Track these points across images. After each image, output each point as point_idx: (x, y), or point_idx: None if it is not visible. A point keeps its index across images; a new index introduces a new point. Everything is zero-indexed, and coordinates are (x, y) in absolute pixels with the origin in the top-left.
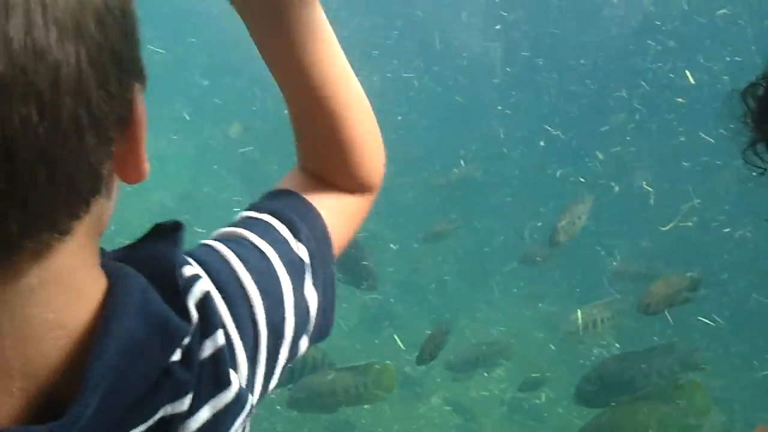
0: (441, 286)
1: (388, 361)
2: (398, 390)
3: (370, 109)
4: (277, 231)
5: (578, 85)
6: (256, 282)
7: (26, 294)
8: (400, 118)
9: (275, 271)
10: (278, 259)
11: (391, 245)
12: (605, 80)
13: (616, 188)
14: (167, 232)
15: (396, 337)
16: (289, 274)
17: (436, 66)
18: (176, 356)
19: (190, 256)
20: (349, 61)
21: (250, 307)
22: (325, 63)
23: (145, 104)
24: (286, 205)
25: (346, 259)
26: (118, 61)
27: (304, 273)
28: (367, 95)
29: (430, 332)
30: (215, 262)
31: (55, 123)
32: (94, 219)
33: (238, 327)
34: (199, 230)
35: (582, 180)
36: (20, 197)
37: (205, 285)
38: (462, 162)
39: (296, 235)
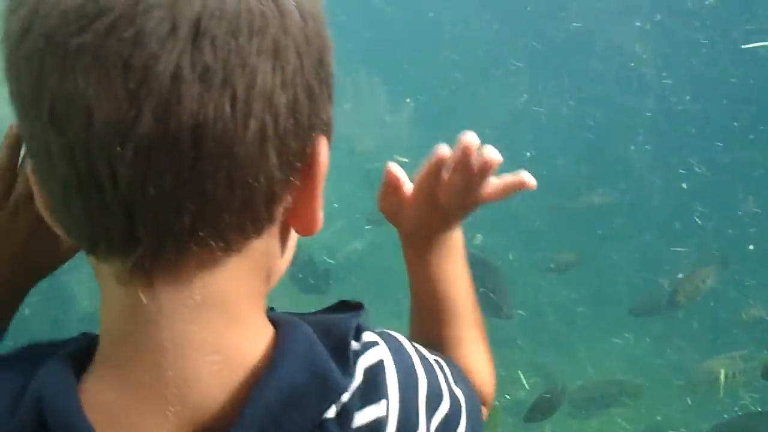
0: (569, 318)
1: (497, 401)
2: (511, 418)
3: (481, 317)
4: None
5: (726, 123)
6: (427, 378)
7: (188, 308)
8: (529, 154)
9: (440, 386)
10: (445, 381)
11: (519, 271)
12: (759, 119)
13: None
14: (349, 309)
15: (520, 373)
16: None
17: (572, 100)
18: (331, 413)
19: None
20: (478, 91)
21: (416, 396)
22: (451, 278)
23: (328, 159)
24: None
25: (484, 287)
26: (310, 97)
27: (459, 415)
28: (498, 127)
29: (544, 392)
30: (393, 341)
31: (243, 122)
32: (262, 254)
33: (401, 408)
34: (328, 258)
35: (730, 232)
36: (198, 188)
37: (381, 353)
38: (595, 197)
39: (455, 384)
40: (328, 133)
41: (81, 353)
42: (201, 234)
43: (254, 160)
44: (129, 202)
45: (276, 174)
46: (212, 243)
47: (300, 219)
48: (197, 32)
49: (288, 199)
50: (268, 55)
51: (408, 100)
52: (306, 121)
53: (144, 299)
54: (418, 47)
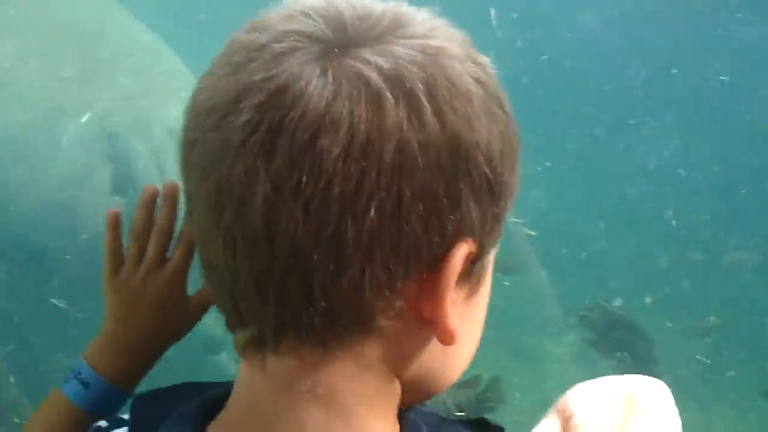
0: (713, 381)
1: None
2: None
3: None
4: None
5: None
6: None
7: (294, 395)
8: (674, 222)
9: None
10: None
11: (662, 331)
12: None
13: None
14: (487, 430)
15: None
16: None
17: (716, 163)
18: None
19: None
20: (617, 149)
21: None
22: None
23: (462, 263)
24: None
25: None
26: (427, 201)
27: None
28: (639, 186)
29: None
30: None
31: (317, 226)
32: (380, 358)
33: None
34: None
35: None
36: (277, 286)
37: None
38: (742, 257)
39: None
40: (473, 235)
41: (215, 401)
42: (285, 327)
43: (329, 264)
44: (230, 289)
45: (364, 280)
46: (300, 342)
47: (432, 326)
48: (277, 133)
49: (398, 306)
50: (354, 157)
51: (541, 166)
52: (418, 227)
53: (258, 377)
54: (554, 100)
